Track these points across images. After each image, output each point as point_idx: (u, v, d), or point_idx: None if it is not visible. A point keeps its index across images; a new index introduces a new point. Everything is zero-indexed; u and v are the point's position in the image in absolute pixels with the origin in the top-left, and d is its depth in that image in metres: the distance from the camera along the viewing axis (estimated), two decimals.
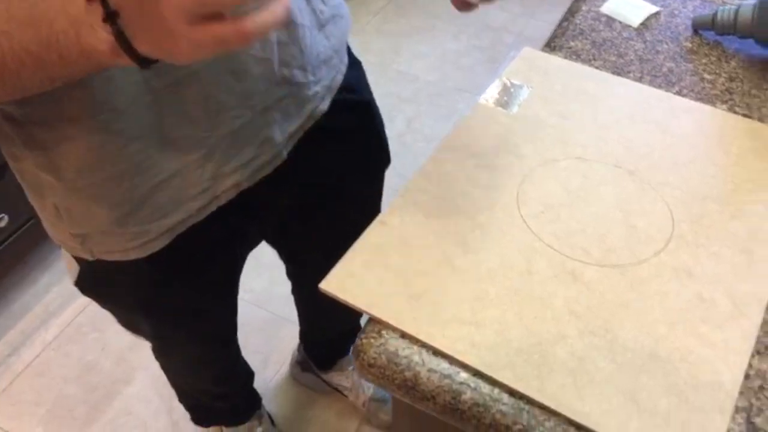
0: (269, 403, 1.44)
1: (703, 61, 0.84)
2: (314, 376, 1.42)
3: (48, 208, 0.66)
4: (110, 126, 0.59)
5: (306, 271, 1.06)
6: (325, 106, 0.76)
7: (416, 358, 0.55)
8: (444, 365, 0.55)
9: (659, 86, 0.80)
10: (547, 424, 0.51)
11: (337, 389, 1.41)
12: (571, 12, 0.93)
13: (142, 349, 1.52)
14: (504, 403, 0.52)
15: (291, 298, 1.26)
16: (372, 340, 0.56)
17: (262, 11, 0.42)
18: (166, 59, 0.46)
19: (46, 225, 0.71)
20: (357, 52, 0.78)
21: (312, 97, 0.73)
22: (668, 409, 0.51)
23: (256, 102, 0.68)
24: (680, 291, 0.59)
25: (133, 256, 0.70)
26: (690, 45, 0.87)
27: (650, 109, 0.76)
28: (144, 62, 0.47)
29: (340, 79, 0.78)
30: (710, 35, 0.88)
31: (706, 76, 0.82)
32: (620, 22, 0.90)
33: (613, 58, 0.85)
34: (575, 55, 0.85)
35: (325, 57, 0.74)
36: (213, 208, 0.70)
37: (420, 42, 2.39)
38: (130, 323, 0.88)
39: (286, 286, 1.21)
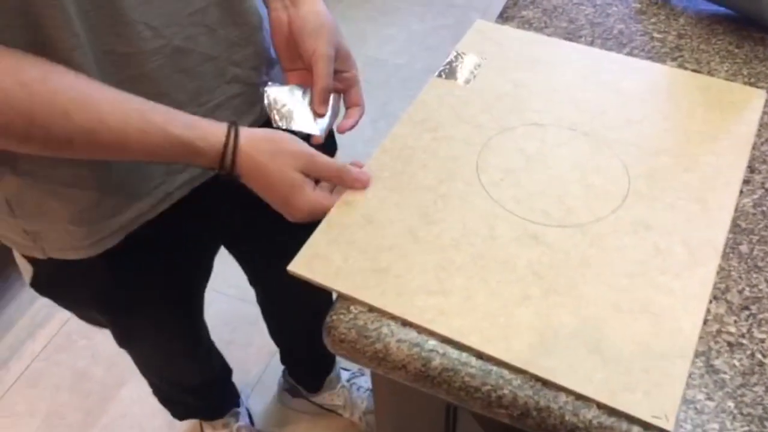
0: (255, 400, 1.44)
1: (653, 20, 0.86)
2: (305, 401, 1.40)
3: (0, 203, 0.66)
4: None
5: (266, 278, 1.07)
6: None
7: (385, 330, 0.56)
8: (413, 334, 0.56)
9: (610, 48, 0.81)
10: (514, 382, 0.52)
11: (331, 410, 1.39)
12: None
13: None
14: (472, 366, 0.54)
15: None
16: (341, 316, 0.58)
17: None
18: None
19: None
20: None
21: (263, 97, 0.74)
22: (631, 357, 0.53)
23: (207, 99, 0.69)
24: (638, 244, 0.60)
25: (84, 254, 0.70)
26: (639, 5, 0.88)
27: (602, 71, 0.77)
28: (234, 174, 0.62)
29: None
30: None
31: (656, 35, 0.83)
32: None
33: (565, 24, 0.86)
34: (527, 24, 0.86)
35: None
36: (166, 205, 0.71)
37: (386, 26, 2.39)
38: (91, 320, 0.88)
39: None
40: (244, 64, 0.73)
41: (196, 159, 0.61)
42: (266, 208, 0.65)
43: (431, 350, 0.55)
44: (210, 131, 0.61)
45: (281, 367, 1.42)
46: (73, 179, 0.64)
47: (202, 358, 1.14)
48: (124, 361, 1.51)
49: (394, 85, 2.14)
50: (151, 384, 1.18)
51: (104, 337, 1.54)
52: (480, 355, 0.54)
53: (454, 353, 0.54)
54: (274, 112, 0.69)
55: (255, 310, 1.22)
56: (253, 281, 1.12)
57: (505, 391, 0.52)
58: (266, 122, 0.77)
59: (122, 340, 0.97)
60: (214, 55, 0.69)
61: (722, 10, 0.85)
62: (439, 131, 0.71)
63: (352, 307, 0.58)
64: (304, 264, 0.60)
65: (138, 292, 0.80)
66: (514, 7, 0.89)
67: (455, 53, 0.80)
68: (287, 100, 0.69)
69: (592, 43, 0.82)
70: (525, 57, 0.80)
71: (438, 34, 2.32)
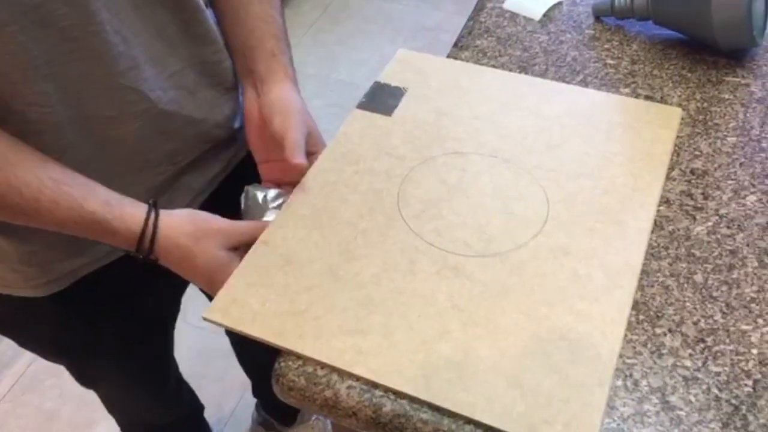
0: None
1: (606, 46, 0.86)
2: None
3: None
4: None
5: None
6: (244, 152, 0.78)
7: (335, 376, 0.55)
8: (362, 380, 0.54)
9: (564, 76, 0.82)
10: (466, 427, 0.51)
11: None
12: (477, 10, 0.94)
13: None
14: (424, 412, 0.52)
15: None
16: (290, 363, 0.56)
17: None
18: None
19: None
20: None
21: (233, 146, 0.75)
22: (551, 388, 0.52)
23: (181, 159, 0.70)
24: (557, 270, 0.60)
25: (32, 293, 0.68)
26: (592, 32, 0.88)
27: (524, 96, 0.78)
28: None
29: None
30: (611, 20, 0.90)
31: (609, 61, 0.84)
32: (524, 17, 0.92)
33: (519, 53, 0.86)
34: (482, 53, 0.86)
35: None
36: (120, 253, 0.69)
37: (357, 49, 2.40)
38: (51, 359, 0.85)
39: None
40: (225, 123, 0.73)
41: (110, 239, 0.60)
42: None
43: (382, 396, 0.53)
44: (128, 212, 0.59)
45: (254, 401, 1.39)
46: (12, 225, 0.62)
47: (171, 396, 1.11)
48: (93, 400, 1.48)
49: None
50: (120, 425, 1.15)
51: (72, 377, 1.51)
52: (401, 395, 0.53)
53: (404, 399, 0.53)
54: (249, 214, 0.68)
55: (228, 343, 1.19)
56: None
57: None
58: (232, 173, 0.77)
59: (83, 381, 0.94)
60: (198, 118, 0.69)
61: (675, 34, 0.86)
62: (361, 164, 0.71)
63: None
64: (220, 310, 0.58)
65: (93, 335, 0.78)
66: (469, 36, 0.89)
67: (383, 85, 0.80)
68: (262, 207, 0.68)
69: (546, 71, 0.82)
70: (447, 85, 0.80)
71: None
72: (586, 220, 0.64)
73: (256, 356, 1.19)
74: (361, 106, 0.77)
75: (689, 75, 0.80)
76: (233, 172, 0.78)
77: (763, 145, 0.71)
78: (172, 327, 0.95)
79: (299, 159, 0.64)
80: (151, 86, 0.63)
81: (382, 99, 0.78)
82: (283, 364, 0.56)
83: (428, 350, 0.55)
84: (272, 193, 0.68)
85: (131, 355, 0.88)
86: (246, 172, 0.74)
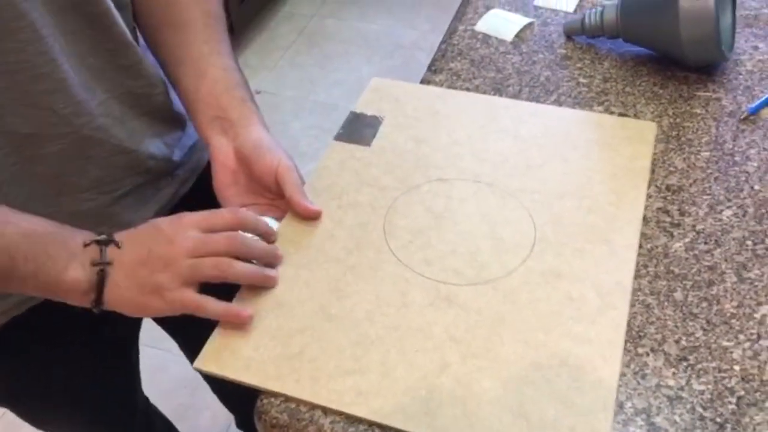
0: None
1: (578, 65, 0.87)
2: None
3: None
4: None
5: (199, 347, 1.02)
6: (186, 188, 0.75)
7: (318, 412, 0.54)
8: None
9: (538, 96, 0.82)
10: None
11: None
12: (449, 33, 0.94)
13: None
14: None
15: None
16: (272, 399, 0.55)
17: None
18: (131, 311, 0.58)
19: None
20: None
21: (173, 181, 0.73)
22: (556, 416, 0.52)
23: (112, 188, 0.67)
24: (551, 294, 0.60)
25: None
26: (564, 51, 0.89)
27: (499, 118, 0.78)
28: (99, 308, 0.57)
29: (206, 158, 0.77)
30: (583, 39, 0.91)
31: (582, 80, 0.84)
32: (496, 38, 0.92)
33: (492, 74, 0.86)
34: (456, 76, 0.86)
35: (196, 140, 0.74)
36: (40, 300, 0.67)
37: (334, 70, 2.40)
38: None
39: None
40: (161, 156, 0.70)
41: (60, 249, 0.57)
42: None
43: (366, 429, 0.52)
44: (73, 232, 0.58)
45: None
46: None
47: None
48: None
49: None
50: None
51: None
52: None
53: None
54: None
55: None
56: (187, 351, 1.06)
57: None
58: (174, 208, 0.74)
59: (37, 424, 0.88)
60: (131, 148, 0.67)
61: (645, 51, 0.87)
62: (344, 198, 0.70)
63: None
64: (212, 359, 0.57)
65: (43, 373, 0.74)
66: (442, 60, 0.89)
67: (359, 115, 0.79)
68: None
69: (519, 92, 0.83)
70: (423, 112, 0.80)
71: (387, 76, 2.32)
72: (575, 241, 0.64)
73: (236, 390, 1.16)
74: (339, 137, 0.77)
75: (661, 91, 0.82)
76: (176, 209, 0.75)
77: (737, 158, 0.72)
78: (135, 352, 0.90)
79: (310, 204, 0.64)
80: (80, 110, 0.61)
81: (359, 129, 0.78)
82: (265, 401, 0.55)
83: (429, 386, 0.54)
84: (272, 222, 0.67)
85: (89, 391, 0.83)
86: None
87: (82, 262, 0.56)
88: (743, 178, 0.70)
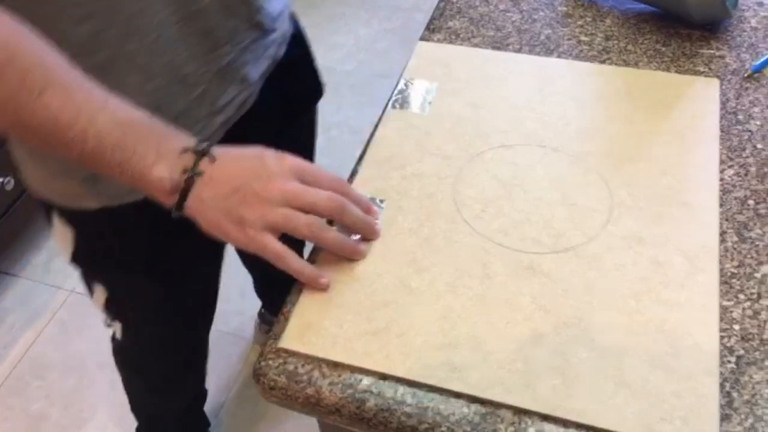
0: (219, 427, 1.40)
1: (579, 23, 0.85)
2: None
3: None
4: (135, 60, 0.60)
5: None
6: (281, 52, 0.77)
7: (316, 373, 0.54)
8: (345, 375, 0.53)
9: (538, 55, 0.80)
10: (452, 418, 0.50)
11: None
12: None
13: (89, 389, 1.47)
14: (408, 405, 0.51)
15: (239, 314, 1.30)
16: (270, 362, 0.54)
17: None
18: (208, 229, 0.57)
19: (48, 179, 0.68)
20: None
21: (272, 42, 0.74)
22: (658, 384, 0.51)
23: (239, 40, 0.68)
24: (636, 260, 0.58)
25: (141, 195, 0.66)
26: (565, 9, 0.87)
27: (555, 80, 0.76)
28: (178, 213, 0.56)
29: (289, 32, 0.80)
30: None
31: (583, 38, 0.82)
32: None
33: (492, 33, 0.84)
34: (455, 35, 0.84)
35: (280, 10, 0.75)
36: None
37: (332, 32, 2.35)
38: (118, 292, 0.82)
39: (232, 302, 1.19)
40: (262, 12, 0.70)
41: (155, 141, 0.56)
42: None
43: (365, 391, 0.52)
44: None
45: (242, 398, 1.37)
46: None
47: (200, 366, 1.09)
48: (83, 400, 1.44)
49: (344, 92, 2.10)
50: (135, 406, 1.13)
51: (60, 376, 1.49)
52: (502, 406, 0.51)
53: (389, 392, 0.52)
54: None
55: (215, 334, 1.15)
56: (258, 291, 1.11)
57: (443, 429, 0.50)
58: (276, 68, 0.76)
59: (130, 335, 0.90)
60: None
61: (648, 8, 0.85)
62: (407, 168, 0.68)
63: (281, 352, 0.54)
64: (297, 337, 0.55)
65: (164, 246, 0.75)
66: (441, 18, 0.87)
67: (404, 81, 0.77)
68: None
69: (519, 50, 0.81)
70: (475, 75, 0.77)
71: (385, 39, 2.29)
72: (652, 205, 0.63)
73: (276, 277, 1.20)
74: (394, 105, 0.74)
75: (663, 49, 0.79)
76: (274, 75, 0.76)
77: (740, 117, 0.71)
78: (218, 272, 0.91)
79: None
80: None
81: (413, 96, 0.75)
82: (263, 363, 0.54)
83: (525, 357, 0.53)
84: None
85: (196, 276, 0.85)
86: (282, 79, 0.77)
87: (171, 165, 0.55)
88: (746, 137, 0.69)
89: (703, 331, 0.54)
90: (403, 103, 0.74)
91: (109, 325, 0.90)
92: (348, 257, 0.59)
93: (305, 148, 0.95)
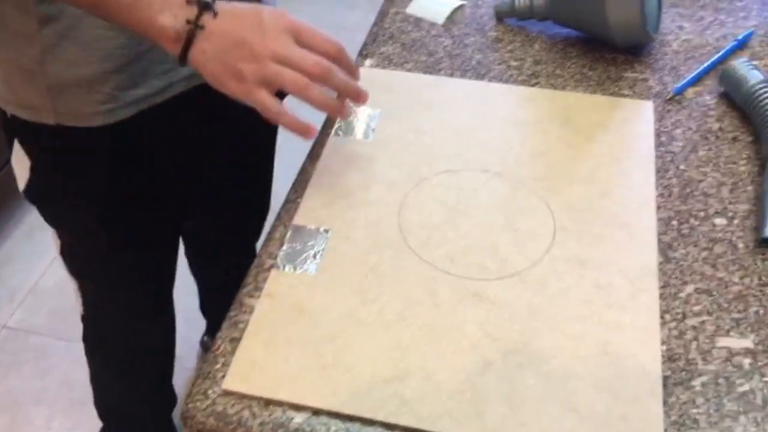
0: None
1: (509, 48, 0.86)
2: None
3: (27, 58, 0.66)
4: None
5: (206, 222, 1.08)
6: None
7: (246, 413, 0.52)
8: (277, 414, 0.52)
9: (470, 79, 0.81)
10: None
11: None
12: (380, 16, 0.92)
13: (23, 428, 1.38)
14: None
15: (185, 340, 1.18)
16: (198, 404, 0.53)
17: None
18: (210, 81, 0.60)
19: (12, 87, 0.70)
20: None
21: None
22: (605, 408, 0.51)
23: None
24: (579, 283, 0.59)
25: (98, 121, 0.70)
26: (495, 34, 0.88)
27: (496, 105, 0.77)
28: (183, 63, 0.59)
29: None
30: (513, 22, 0.90)
31: (513, 62, 0.84)
32: (427, 21, 0.91)
33: (424, 58, 0.85)
34: (387, 60, 0.84)
35: None
36: (169, 94, 0.73)
37: None
38: (72, 236, 0.84)
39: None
40: None
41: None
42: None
43: (296, 429, 0.51)
44: None
45: None
46: (106, 38, 0.66)
47: (167, 325, 1.06)
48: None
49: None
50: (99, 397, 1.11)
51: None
52: None
53: (321, 429, 0.51)
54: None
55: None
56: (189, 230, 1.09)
57: None
58: None
59: (96, 301, 0.92)
60: None
61: (575, 33, 0.87)
62: (352, 196, 0.67)
63: (209, 391, 0.53)
64: (241, 377, 0.54)
65: (136, 183, 0.78)
66: (373, 44, 0.87)
67: (355, 108, 0.76)
68: None
69: (452, 75, 0.82)
70: (418, 101, 0.77)
71: None
72: (593, 227, 0.64)
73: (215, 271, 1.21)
74: (337, 132, 0.74)
75: (590, 73, 0.82)
76: None
77: (662, 139, 0.73)
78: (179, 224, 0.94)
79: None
80: None
81: (356, 123, 0.75)
82: (191, 405, 0.53)
83: (474, 386, 0.53)
84: None
85: (154, 247, 0.88)
86: None
87: (176, 14, 0.57)
88: (669, 158, 0.71)
89: (646, 351, 0.54)
90: (346, 129, 0.74)
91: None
92: (332, 115, 0.67)
93: (268, 134, 0.99)
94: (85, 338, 1.03)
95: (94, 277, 0.89)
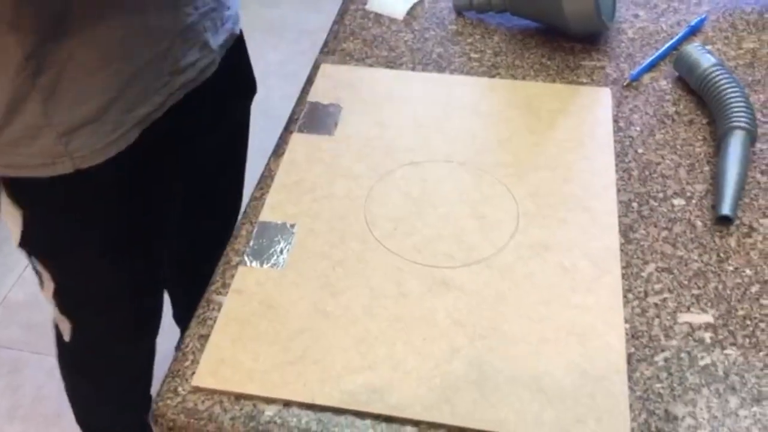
0: None
1: (469, 40, 0.87)
2: None
3: (30, 115, 0.65)
4: (103, 10, 0.63)
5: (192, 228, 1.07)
6: (237, 29, 0.84)
7: (217, 408, 0.52)
8: (247, 408, 0.52)
9: (431, 73, 0.82)
10: None
11: None
12: (341, 13, 0.93)
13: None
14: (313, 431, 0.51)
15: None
16: (168, 401, 0.53)
17: None
18: None
19: (17, 145, 0.67)
20: None
21: (228, 18, 0.81)
22: (573, 387, 0.52)
23: (199, 5, 0.74)
24: (544, 267, 0.60)
25: (112, 152, 0.71)
26: (455, 27, 0.89)
27: (458, 97, 0.77)
28: None
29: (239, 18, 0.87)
30: (472, 15, 0.91)
31: (473, 55, 0.85)
32: (388, 17, 0.91)
33: (385, 53, 0.85)
34: (349, 57, 0.85)
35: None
36: (168, 105, 0.75)
37: None
38: (69, 279, 0.82)
39: None
40: None
41: None
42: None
43: (268, 422, 0.51)
44: None
45: None
46: (101, 63, 0.66)
47: (148, 371, 1.06)
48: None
49: (256, 117, 2.07)
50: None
51: None
52: (418, 423, 0.51)
53: (293, 421, 0.51)
54: None
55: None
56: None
57: None
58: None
59: (90, 315, 0.88)
60: None
61: (533, 24, 0.88)
62: (317, 191, 0.67)
63: (179, 389, 0.53)
64: (210, 374, 0.53)
65: (139, 198, 0.79)
66: (335, 41, 0.88)
67: (317, 104, 0.77)
68: None
69: (413, 69, 0.82)
70: (380, 95, 0.78)
71: (295, 61, 2.28)
72: (556, 212, 0.65)
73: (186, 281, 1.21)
74: (301, 129, 0.74)
75: (549, 63, 0.83)
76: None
77: (621, 124, 0.74)
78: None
79: None
80: None
81: (319, 118, 0.75)
82: (161, 403, 0.53)
83: (443, 373, 0.53)
84: None
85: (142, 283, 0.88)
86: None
87: None
88: (627, 143, 0.72)
89: (611, 331, 0.55)
90: (308, 126, 0.74)
91: (56, 326, 0.88)
92: None
93: (241, 143, 1.03)
94: (63, 356, 1.00)
95: (91, 314, 0.87)
